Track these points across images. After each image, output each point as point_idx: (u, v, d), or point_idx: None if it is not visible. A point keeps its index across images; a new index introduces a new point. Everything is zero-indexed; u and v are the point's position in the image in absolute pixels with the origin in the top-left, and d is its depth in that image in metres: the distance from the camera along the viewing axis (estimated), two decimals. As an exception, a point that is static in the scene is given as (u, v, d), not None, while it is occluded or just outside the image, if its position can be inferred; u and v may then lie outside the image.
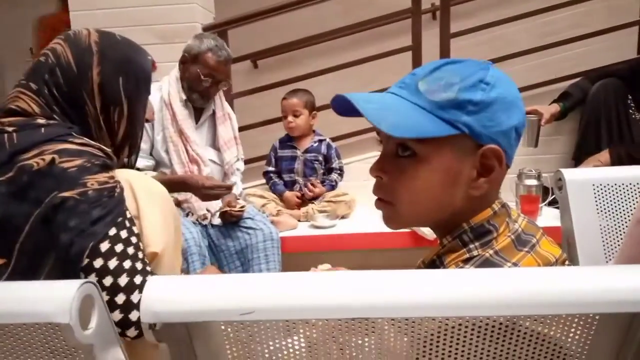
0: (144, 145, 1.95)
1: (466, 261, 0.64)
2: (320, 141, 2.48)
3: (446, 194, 0.65)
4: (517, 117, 0.65)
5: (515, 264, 0.63)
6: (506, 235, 0.66)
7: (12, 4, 4.65)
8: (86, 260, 0.79)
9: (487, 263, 0.63)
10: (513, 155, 0.68)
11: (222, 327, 0.51)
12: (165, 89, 2.01)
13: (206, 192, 1.82)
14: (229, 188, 1.91)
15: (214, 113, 2.15)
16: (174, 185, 1.87)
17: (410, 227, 0.67)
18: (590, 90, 2.36)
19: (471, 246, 0.65)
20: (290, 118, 2.40)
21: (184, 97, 2.02)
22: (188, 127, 2.02)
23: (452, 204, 0.66)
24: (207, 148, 2.13)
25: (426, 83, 0.64)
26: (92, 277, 0.79)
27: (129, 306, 0.80)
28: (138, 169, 1.94)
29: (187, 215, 2.04)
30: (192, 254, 1.83)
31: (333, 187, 2.47)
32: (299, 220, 2.34)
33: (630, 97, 2.28)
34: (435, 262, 0.68)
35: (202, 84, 2.00)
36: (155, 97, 1.96)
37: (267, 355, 0.53)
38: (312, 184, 2.42)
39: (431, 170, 0.65)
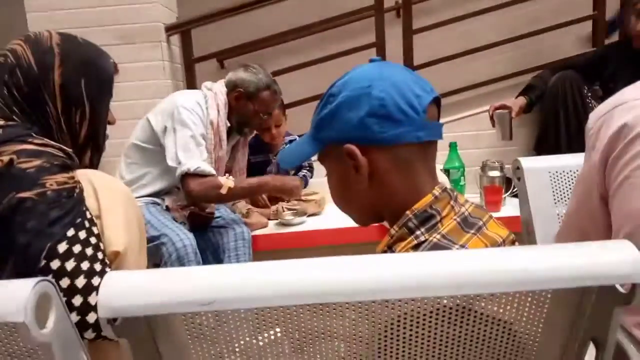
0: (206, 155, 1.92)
1: (415, 247, 0.67)
2: (291, 142, 2.48)
3: (347, 193, 0.77)
4: (367, 105, 0.68)
5: (462, 246, 0.66)
6: (452, 219, 0.69)
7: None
8: (43, 262, 0.78)
9: (436, 247, 0.65)
10: (394, 133, 0.68)
11: (184, 321, 0.51)
12: (214, 114, 1.94)
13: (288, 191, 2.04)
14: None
15: (237, 140, 2.15)
16: (255, 190, 2.04)
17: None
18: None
19: (417, 232, 0.68)
20: (274, 131, 2.35)
21: (228, 124, 2.01)
22: (224, 155, 2.02)
23: (361, 200, 0.75)
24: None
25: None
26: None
27: (86, 308, 0.79)
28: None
29: (181, 222, 1.99)
30: (190, 261, 1.77)
31: (303, 181, 2.46)
32: (268, 219, 2.34)
33: (586, 88, 2.36)
34: (386, 253, 0.70)
35: (257, 120, 2.02)
36: (201, 114, 1.92)
37: (232, 351, 0.53)
38: None
39: (330, 178, 0.79)
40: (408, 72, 0.74)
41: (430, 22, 2.84)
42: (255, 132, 2.25)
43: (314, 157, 0.79)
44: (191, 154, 1.85)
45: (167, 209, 1.98)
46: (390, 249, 0.70)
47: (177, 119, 1.87)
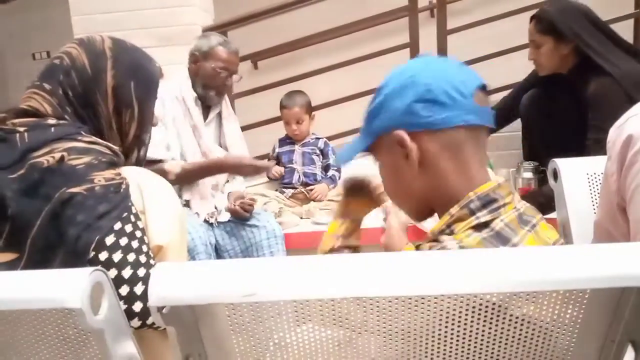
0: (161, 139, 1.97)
1: (476, 227, 0.67)
2: (317, 138, 2.58)
3: (400, 184, 0.78)
4: (413, 91, 0.70)
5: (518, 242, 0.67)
6: (513, 208, 0.70)
7: (14, 9, 4.69)
8: (92, 253, 0.82)
9: (498, 236, 0.67)
10: (442, 117, 0.70)
11: (226, 311, 0.53)
12: (177, 87, 2.05)
13: (246, 169, 1.97)
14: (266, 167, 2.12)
15: (219, 112, 2.19)
16: (210, 168, 1.98)
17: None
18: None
19: (479, 214, 0.68)
20: (294, 126, 2.50)
21: (195, 95, 2.07)
22: (200, 123, 2.07)
23: (413, 190, 0.76)
24: (215, 145, 2.16)
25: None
26: None
27: (132, 297, 0.82)
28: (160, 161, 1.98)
29: (196, 215, 2.03)
30: (199, 252, 1.83)
31: (333, 181, 2.53)
32: (301, 218, 2.36)
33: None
34: (444, 232, 0.71)
35: (218, 79, 2.05)
36: (167, 95, 1.98)
37: (271, 343, 0.55)
38: (313, 190, 2.47)
39: (383, 171, 0.81)
40: (452, 61, 0.75)
41: (465, 22, 2.81)
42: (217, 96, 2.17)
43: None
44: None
45: (187, 203, 2.02)
46: (448, 227, 0.70)
47: None
